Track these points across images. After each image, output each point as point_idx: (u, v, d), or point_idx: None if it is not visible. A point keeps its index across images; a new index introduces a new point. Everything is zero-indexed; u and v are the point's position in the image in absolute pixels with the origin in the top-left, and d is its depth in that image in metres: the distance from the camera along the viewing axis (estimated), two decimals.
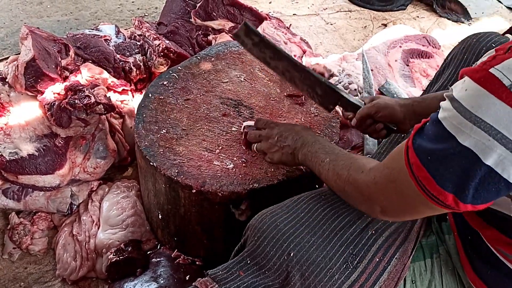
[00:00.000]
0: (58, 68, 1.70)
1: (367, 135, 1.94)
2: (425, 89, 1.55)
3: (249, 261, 0.98)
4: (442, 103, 0.74)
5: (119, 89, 1.87)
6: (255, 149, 1.32)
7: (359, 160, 0.97)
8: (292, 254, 0.93)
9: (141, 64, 1.94)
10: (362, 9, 3.06)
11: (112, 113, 1.77)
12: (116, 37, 2.03)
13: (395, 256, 1.00)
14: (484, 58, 0.73)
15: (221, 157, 1.36)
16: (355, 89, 2.15)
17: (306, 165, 1.16)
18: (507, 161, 0.66)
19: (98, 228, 1.60)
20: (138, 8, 2.86)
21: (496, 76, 0.65)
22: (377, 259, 0.97)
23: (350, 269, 0.94)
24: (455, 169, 0.69)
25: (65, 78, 1.72)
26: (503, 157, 0.65)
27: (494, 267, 0.94)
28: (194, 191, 1.27)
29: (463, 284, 1.05)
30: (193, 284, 0.99)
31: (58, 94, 1.64)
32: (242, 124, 1.44)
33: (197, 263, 1.46)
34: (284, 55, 1.31)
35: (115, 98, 1.84)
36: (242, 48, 1.77)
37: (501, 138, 0.65)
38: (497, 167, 0.66)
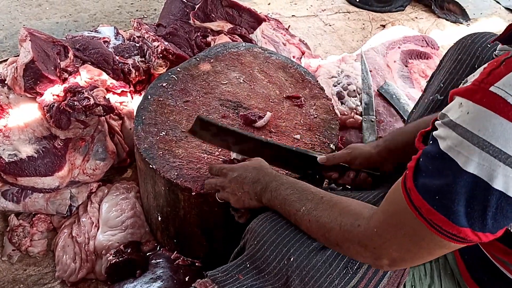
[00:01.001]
0: (57, 70, 1.70)
1: (365, 136, 1.94)
2: (423, 90, 1.55)
3: (248, 265, 0.98)
4: (438, 133, 0.69)
5: (118, 91, 1.88)
6: (217, 198, 1.22)
7: (347, 209, 0.89)
8: (292, 259, 0.93)
9: (140, 65, 1.94)
10: (361, 10, 3.06)
11: (111, 114, 1.77)
12: (115, 38, 2.03)
13: None
14: (476, 75, 0.69)
15: (221, 159, 1.36)
16: (354, 90, 2.15)
17: (276, 209, 1.04)
18: None
19: (98, 229, 1.60)
20: (137, 10, 2.87)
21: (498, 95, 0.61)
22: None
23: (350, 274, 0.93)
24: (468, 202, 0.65)
25: (64, 80, 1.72)
26: None
27: (492, 274, 0.94)
28: (194, 193, 1.28)
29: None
30: (192, 285, 0.99)
31: (57, 96, 1.64)
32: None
33: (196, 264, 1.46)
34: (248, 136, 1.29)
35: (114, 99, 1.84)
36: (241, 49, 1.78)
37: (511, 163, 0.61)
38: (509, 191, 0.63)
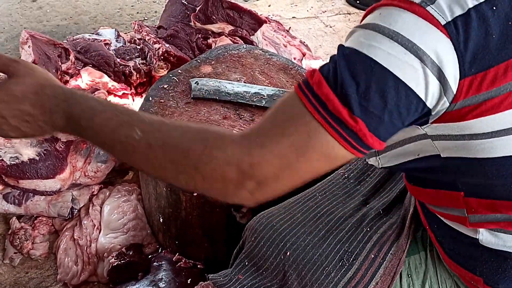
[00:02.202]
0: (59, 72, 1.71)
1: None
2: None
3: (247, 263, 0.99)
4: (346, 39, 0.70)
5: (120, 93, 1.88)
6: None
7: (210, 128, 0.75)
8: (288, 254, 0.94)
9: (141, 68, 1.94)
10: (361, 11, 3.06)
11: None
12: (116, 41, 2.04)
13: (390, 252, 1.00)
14: None
15: None
16: None
17: (90, 140, 0.78)
18: (420, 74, 0.63)
19: (99, 232, 1.60)
20: (137, 12, 2.87)
21: None
22: (373, 255, 0.98)
23: (346, 267, 0.94)
24: (365, 87, 0.63)
25: (65, 83, 1.73)
26: (413, 67, 0.63)
27: (456, 241, 0.91)
28: (195, 194, 1.27)
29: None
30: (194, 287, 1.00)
31: None
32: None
33: (198, 266, 1.46)
34: None
35: (115, 102, 1.84)
36: (242, 51, 1.78)
37: (416, 50, 0.63)
38: (411, 82, 0.63)
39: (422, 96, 0.65)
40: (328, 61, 0.70)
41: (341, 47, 0.70)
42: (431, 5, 0.64)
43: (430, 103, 0.66)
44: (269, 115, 0.71)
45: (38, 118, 0.77)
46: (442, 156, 0.75)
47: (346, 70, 0.65)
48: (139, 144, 0.71)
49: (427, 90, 0.64)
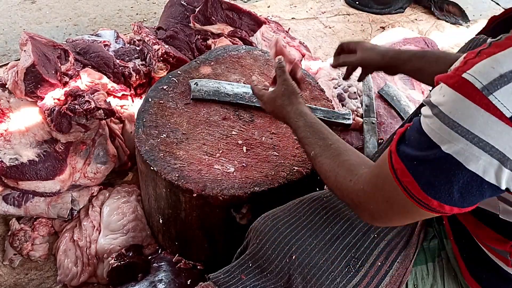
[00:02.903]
0: (58, 73, 1.70)
1: (366, 138, 1.94)
2: (429, 93, 1.55)
3: (251, 264, 0.98)
4: (422, 109, 0.74)
5: (119, 94, 1.88)
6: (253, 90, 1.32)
7: (346, 163, 0.94)
8: (294, 257, 0.93)
9: (141, 69, 1.94)
10: (360, 12, 3.07)
11: (112, 118, 1.77)
12: (116, 42, 2.04)
13: (397, 260, 1.00)
14: (457, 64, 0.73)
15: (222, 161, 1.36)
16: (355, 92, 2.15)
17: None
18: (487, 164, 0.66)
19: (99, 233, 1.60)
20: (137, 14, 2.87)
21: (469, 81, 0.66)
22: (379, 263, 0.97)
23: (352, 273, 0.94)
24: (437, 174, 0.70)
25: (65, 84, 1.72)
26: (484, 161, 0.66)
27: (489, 269, 0.94)
28: (195, 195, 1.27)
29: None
30: None
31: (58, 99, 1.64)
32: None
33: (198, 267, 1.46)
34: None
35: (115, 103, 1.84)
36: (241, 52, 1.78)
37: (478, 142, 0.65)
38: (478, 171, 0.67)
39: (500, 185, 0.68)
40: (407, 138, 0.76)
41: (419, 134, 0.73)
42: (493, 94, 0.64)
43: (505, 186, 0.69)
44: (373, 171, 0.85)
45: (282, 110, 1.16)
46: (500, 216, 0.81)
47: (428, 169, 0.71)
48: (312, 160, 1.02)
49: (502, 179, 0.68)
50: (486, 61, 0.66)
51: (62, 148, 1.64)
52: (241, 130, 1.45)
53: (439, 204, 0.72)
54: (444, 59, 1.20)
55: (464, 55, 0.73)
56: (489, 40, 0.74)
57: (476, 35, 1.15)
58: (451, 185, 0.69)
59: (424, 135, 0.71)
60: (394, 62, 1.29)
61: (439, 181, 0.70)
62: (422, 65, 1.24)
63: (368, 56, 1.31)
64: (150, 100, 1.52)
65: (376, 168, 0.84)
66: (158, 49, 1.96)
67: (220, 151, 1.38)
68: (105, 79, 1.81)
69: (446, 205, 0.72)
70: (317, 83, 1.70)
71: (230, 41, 2.10)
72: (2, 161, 1.53)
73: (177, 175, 1.30)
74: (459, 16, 3.05)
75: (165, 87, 1.57)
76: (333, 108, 1.59)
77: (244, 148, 1.40)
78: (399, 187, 0.75)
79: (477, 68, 0.66)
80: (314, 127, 1.06)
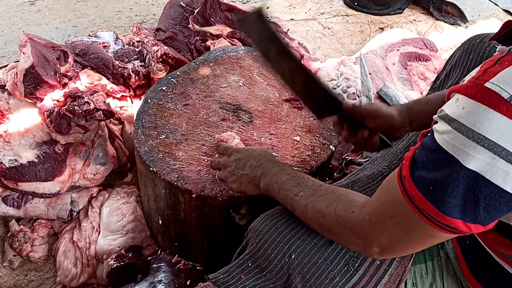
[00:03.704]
0: (57, 75, 1.71)
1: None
2: (430, 91, 1.55)
3: (250, 264, 0.98)
4: (436, 126, 0.71)
5: (118, 95, 1.88)
6: (217, 177, 1.27)
7: (344, 196, 0.91)
8: (293, 256, 0.93)
9: (140, 70, 1.94)
10: (359, 13, 3.07)
11: (111, 119, 1.78)
12: (115, 43, 2.04)
13: (396, 259, 1.00)
14: (473, 74, 0.70)
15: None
16: (354, 93, 2.15)
17: (272, 195, 1.08)
18: None
19: (99, 234, 1.60)
20: (136, 15, 2.87)
21: (493, 90, 0.63)
22: (378, 262, 0.97)
23: (351, 272, 0.94)
24: (461, 194, 0.66)
25: (64, 85, 1.73)
26: (511, 175, 0.63)
27: (493, 271, 0.94)
28: (194, 195, 1.28)
29: (464, 287, 1.05)
30: None
31: (58, 101, 1.64)
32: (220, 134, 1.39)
33: (197, 268, 1.46)
34: (289, 51, 1.18)
35: (114, 104, 1.84)
36: (240, 53, 1.78)
37: (507, 155, 0.62)
38: (505, 185, 0.64)
39: None
40: (419, 161, 0.72)
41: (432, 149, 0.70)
42: None
43: None
44: (380, 199, 0.81)
45: (249, 177, 1.13)
46: (511, 224, 0.78)
47: (449, 190, 0.67)
48: (299, 203, 0.96)
49: None
50: (511, 69, 0.63)
51: (61, 149, 1.64)
52: (240, 131, 1.46)
53: (464, 224, 0.69)
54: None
55: (481, 64, 0.70)
56: (507, 48, 0.71)
57: (489, 39, 1.13)
58: (477, 202, 0.66)
59: (442, 151, 0.67)
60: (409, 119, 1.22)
61: (463, 201, 0.67)
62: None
63: (380, 125, 1.23)
64: (149, 101, 1.52)
65: (383, 195, 0.81)
66: (157, 50, 1.97)
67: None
68: (104, 80, 1.81)
69: (471, 224, 0.69)
70: None
71: (229, 42, 2.11)
72: (1, 163, 1.53)
73: (176, 175, 1.30)
74: (458, 16, 3.06)
75: (164, 88, 1.57)
76: None
77: None
78: (417, 213, 0.72)
79: (502, 76, 0.63)
80: (297, 173, 1.05)
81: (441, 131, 0.68)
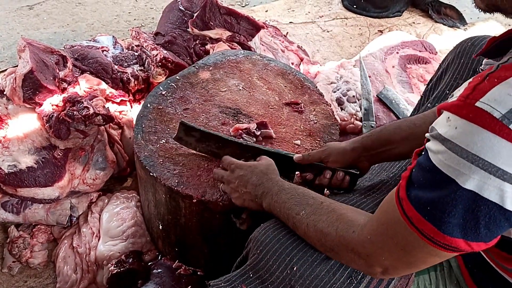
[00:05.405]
0: (56, 80, 1.70)
1: None
2: (422, 95, 1.55)
3: (251, 275, 0.97)
4: (429, 144, 0.70)
5: (118, 100, 1.87)
6: (220, 189, 1.27)
7: (345, 216, 0.90)
8: (295, 268, 0.92)
9: (139, 74, 1.94)
10: (358, 16, 3.07)
11: (111, 124, 1.77)
12: (114, 48, 2.04)
13: None
14: (461, 90, 0.70)
15: (221, 166, 1.35)
16: (353, 96, 2.15)
17: (274, 214, 1.06)
18: None
19: (99, 239, 1.59)
20: (134, 19, 2.87)
21: (485, 110, 0.62)
22: None
23: (354, 284, 0.92)
24: (461, 213, 0.66)
25: (63, 90, 1.72)
26: (508, 193, 0.63)
27: (496, 281, 0.93)
28: (195, 201, 1.27)
29: None
30: None
31: (57, 106, 1.64)
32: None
33: (198, 273, 1.45)
34: (229, 140, 1.32)
35: (113, 109, 1.84)
36: (240, 56, 1.78)
37: (502, 175, 0.62)
38: (504, 203, 0.64)
39: None
40: (415, 181, 0.72)
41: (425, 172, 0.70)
42: None
43: None
44: (380, 219, 0.81)
45: (251, 195, 1.13)
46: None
47: (448, 209, 0.67)
48: (300, 222, 0.95)
49: None
50: (501, 87, 0.63)
51: (60, 154, 1.63)
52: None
53: (465, 243, 0.69)
54: (404, 121, 1.17)
55: (470, 80, 0.70)
56: (496, 63, 0.70)
57: (475, 55, 1.12)
58: (477, 221, 0.66)
59: (437, 172, 0.67)
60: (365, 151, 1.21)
61: (462, 220, 0.67)
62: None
63: (338, 162, 1.22)
64: (148, 105, 1.52)
65: (382, 215, 0.81)
66: (157, 54, 1.96)
67: None
68: (103, 85, 1.81)
69: (473, 243, 0.69)
70: (316, 87, 1.70)
71: (229, 46, 2.10)
72: (0, 168, 1.52)
73: (176, 180, 1.30)
74: (457, 19, 3.06)
75: (163, 93, 1.57)
76: (332, 113, 1.59)
77: None
78: (417, 234, 0.72)
79: (492, 95, 0.63)
80: (298, 190, 1.04)
81: (435, 151, 0.68)
